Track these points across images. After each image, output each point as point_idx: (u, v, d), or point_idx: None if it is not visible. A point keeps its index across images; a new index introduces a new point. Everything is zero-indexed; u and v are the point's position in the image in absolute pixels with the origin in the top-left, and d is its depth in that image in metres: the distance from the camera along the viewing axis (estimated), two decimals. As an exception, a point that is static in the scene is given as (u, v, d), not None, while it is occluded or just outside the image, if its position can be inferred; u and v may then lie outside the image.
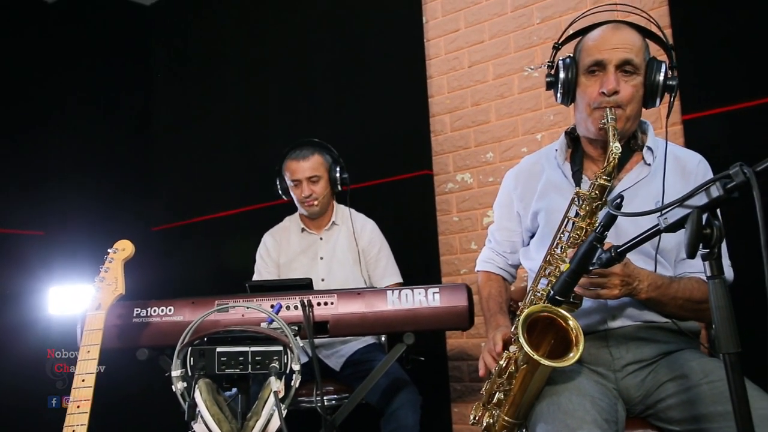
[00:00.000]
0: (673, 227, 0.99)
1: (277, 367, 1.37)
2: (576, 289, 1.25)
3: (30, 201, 3.22)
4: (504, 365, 1.31)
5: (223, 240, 3.30)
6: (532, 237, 1.62)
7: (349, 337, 2.22)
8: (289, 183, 2.41)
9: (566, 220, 1.38)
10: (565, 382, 1.31)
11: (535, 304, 1.35)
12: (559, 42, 1.52)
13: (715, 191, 0.91)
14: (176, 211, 3.58)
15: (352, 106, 2.99)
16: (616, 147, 1.30)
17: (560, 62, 1.48)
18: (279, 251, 2.47)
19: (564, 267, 1.25)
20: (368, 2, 3.01)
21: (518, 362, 1.25)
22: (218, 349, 1.41)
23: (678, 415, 1.28)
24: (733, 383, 0.90)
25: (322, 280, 2.36)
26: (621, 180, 1.46)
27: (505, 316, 1.58)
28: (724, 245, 1.39)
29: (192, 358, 1.41)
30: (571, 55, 1.49)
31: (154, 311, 1.78)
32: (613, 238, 1.29)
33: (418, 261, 2.73)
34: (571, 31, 1.51)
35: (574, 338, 1.22)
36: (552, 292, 1.26)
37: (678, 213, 0.97)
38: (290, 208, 2.55)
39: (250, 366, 1.39)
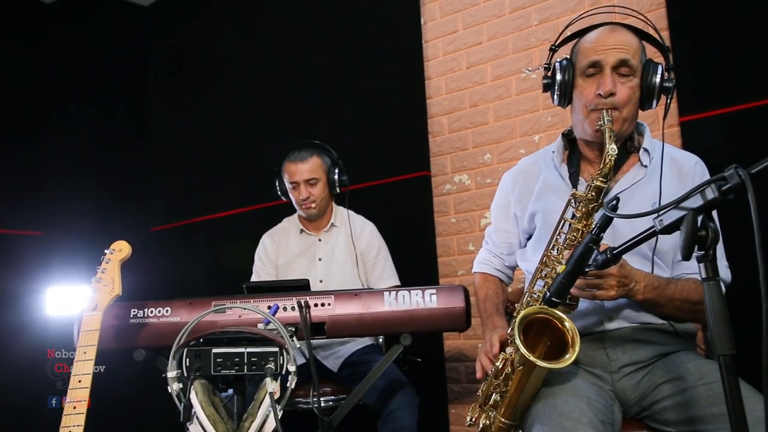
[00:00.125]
0: (668, 229, 0.99)
1: (273, 368, 1.37)
2: (572, 290, 1.25)
3: (28, 201, 3.22)
4: (500, 367, 1.31)
5: (222, 241, 3.31)
6: (529, 238, 1.62)
7: (346, 338, 2.22)
8: (287, 185, 2.41)
9: (563, 221, 1.38)
10: (561, 383, 1.31)
11: (531, 305, 1.35)
12: (556, 44, 1.52)
13: (711, 193, 0.91)
14: (175, 211, 3.58)
15: (350, 107, 2.99)
16: (612, 149, 1.29)
17: (557, 64, 1.47)
18: (277, 252, 2.47)
19: (560, 268, 1.25)
20: (367, 4, 3.01)
21: (515, 364, 1.25)
22: (214, 350, 1.40)
23: (674, 417, 1.28)
24: (727, 385, 0.91)
25: (321, 281, 2.36)
26: (618, 182, 1.46)
27: (502, 318, 1.58)
28: (721, 247, 1.40)
29: (188, 359, 1.40)
30: (568, 57, 1.49)
31: (151, 312, 1.78)
32: (610, 240, 1.29)
33: (416, 262, 2.73)
34: (568, 33, 1.51)
35: (570, 340, 1.22)
36: (548, 293, 1.26)
37: (674, 215, 0.97)
38: (289, 209, 2.55)
39: (245, 367, 1.39)
